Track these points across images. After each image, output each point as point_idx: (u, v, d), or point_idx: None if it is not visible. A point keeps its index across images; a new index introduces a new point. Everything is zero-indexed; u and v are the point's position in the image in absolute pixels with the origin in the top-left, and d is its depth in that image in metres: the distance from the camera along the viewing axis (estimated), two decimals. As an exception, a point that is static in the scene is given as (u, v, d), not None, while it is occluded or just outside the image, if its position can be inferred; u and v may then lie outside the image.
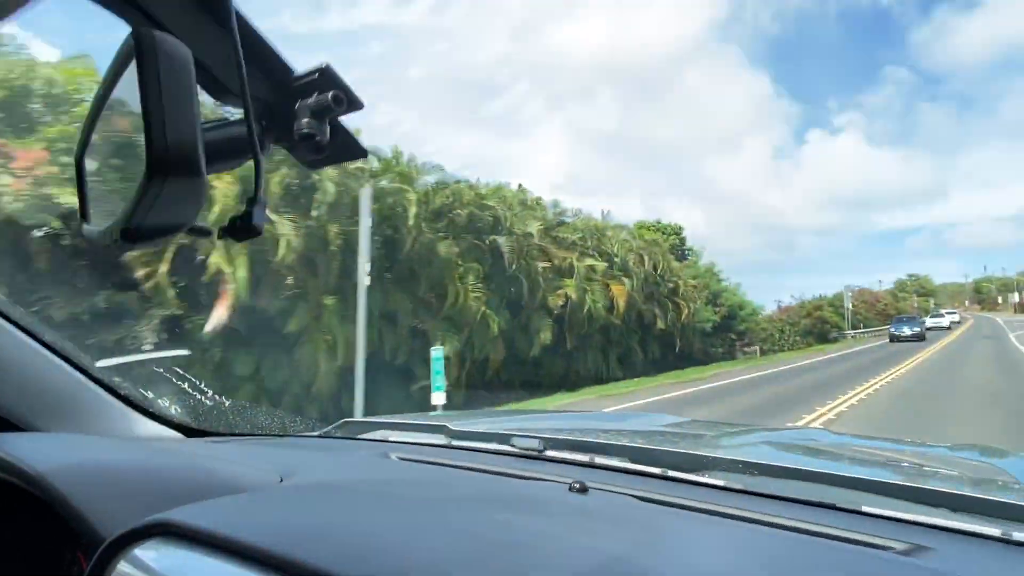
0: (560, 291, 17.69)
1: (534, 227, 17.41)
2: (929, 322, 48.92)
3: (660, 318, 22.75)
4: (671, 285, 23.56)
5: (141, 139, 0.46)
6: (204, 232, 0.54)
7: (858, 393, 12.99)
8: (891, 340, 34.14)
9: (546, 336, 16.79)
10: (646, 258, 22.19)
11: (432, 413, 2.63)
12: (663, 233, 33.55)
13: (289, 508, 0.79)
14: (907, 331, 34.29)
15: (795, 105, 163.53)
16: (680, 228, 34.46)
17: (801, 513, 0.90)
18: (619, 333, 21.12)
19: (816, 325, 41.44)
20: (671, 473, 1.11)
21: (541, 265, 17.24)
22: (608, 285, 19.95)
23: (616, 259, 20.52)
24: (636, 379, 19.45)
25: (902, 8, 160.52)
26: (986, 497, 0.93)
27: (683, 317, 23.60)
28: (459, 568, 0.57)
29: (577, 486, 0.97)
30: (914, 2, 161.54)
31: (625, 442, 1.42)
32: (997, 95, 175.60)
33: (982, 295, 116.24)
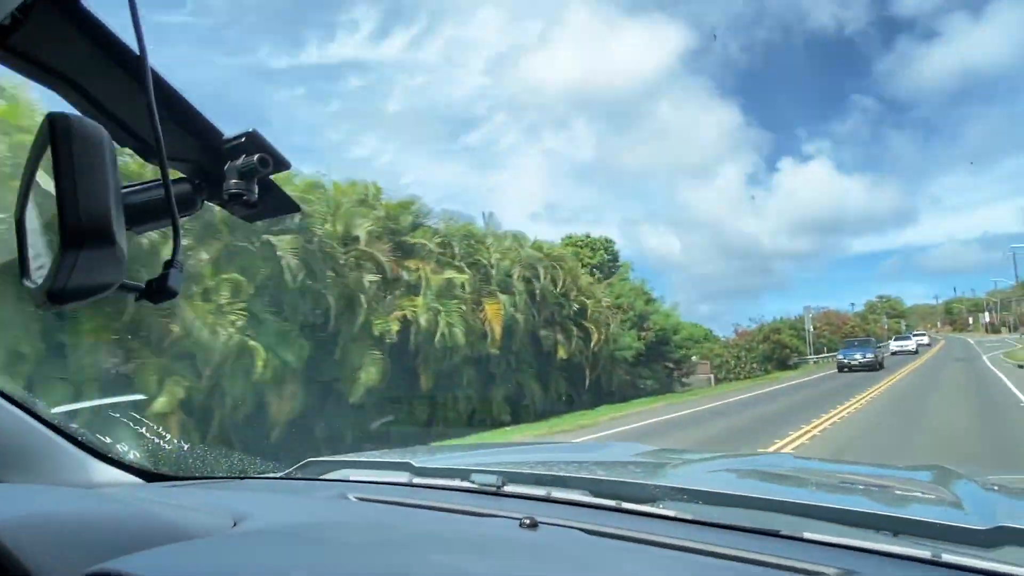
0: (398, 313, 13.38)
1: (362, 229, 13.18)
2: (893, 346, 44.38)
3: (563, 345, 18.54)
4: (577, 306, 19.38)
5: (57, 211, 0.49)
6: (135, 289, 0.54)
7: (782, 447, 9.45)
8: (839, 369, 28.54)
9: (372, 375, 12.42)
10: (542, 273, 18.04)
11: (398, 449, 2.21)
12: (591, 248, 29.62)
13: (235, 556, 0.78)
14: (859, 358, 28.24)
15: (766, 134, 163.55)
16: (611, 242, 30.51)
17: (746, 542, 0.92)
18: (504, 366, 16.83)
19: (775, 350, 37.68)
20: (625, 505, 1.12)
21: (369, 279, 12.98)
22: (481, 305, 15.73)
23: (494, 272, 16.33)
24: (513, 426, 15.17)
25: (866, 38, 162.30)
26: (921, 519, 0.96)
27: (593, 344, 19.41)
28: None
29: (528, 522, 0.99)
30: (877, 32, 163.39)
31: (584, 474, 1.40)
32: (960, 122, 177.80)
33: (953, 316, 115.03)
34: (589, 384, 19.60)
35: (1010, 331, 72.00)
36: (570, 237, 29.64)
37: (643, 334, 22.99)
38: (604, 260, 29.15)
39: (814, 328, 43.66)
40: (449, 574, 0.69)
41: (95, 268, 0.49)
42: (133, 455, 1.62)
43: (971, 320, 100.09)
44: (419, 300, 13.87)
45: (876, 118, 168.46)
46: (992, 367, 24.97)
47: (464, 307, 15.09)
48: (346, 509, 1.28)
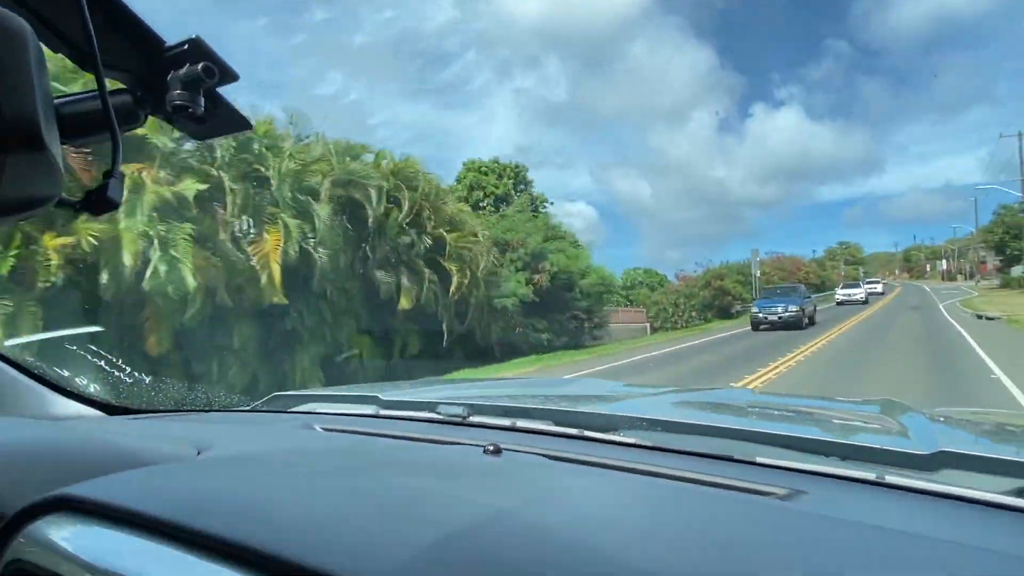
0: (62, 240, 8.61)
1: None
2: (839, 294, 39.98)
3: (408, 291, 14.04)
4: (432, 240, 14.78)
5: None
6: (71, 205, 0.53)
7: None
8: (753, 327, 21.37)
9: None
10: (375, 195, 13.33)
11: (365, 384, 2.40)
12: (496, 175, 24.86)
13: (198, 480, 0.78)
14: (779, 312, 20.68)
15: (740, 78, 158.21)
16: (521, 168, 25.69)
17: (702, 466, 0.95)
18: (315, 319, 12.31)
19: (716, 297, 34.02)
20: (587, 433, 1.15)
21: None
22: (257, 233, 11.03)
23: (274, 187, 11.51)
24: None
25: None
26: (868, 445, 1.00)
27: (453, 289, 14.93)
28: (354, 529, 0.58)
29: (491, 448, 0.99)
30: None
31: (548, 406, 1.43)
32: (930, 70, 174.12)
33: (911, 263, 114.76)
34: (450, 341, 15.24)
35: (966, 278, 70.68)
36: (472, 161, 24.81)
37: (536, 277, 18.59)
38: (510, 189, 24.47)
39: (762, 273, 39.98)
40: (412, 495, 0.69)
41: (27, 177, 0.45)
42: (93, 388, 1.61)
43: (928, 268, 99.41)
44: (123, 222, 9.11)
45: (849, 64, 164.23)
46: (950, 319, 21.44)
47: (222, 235, 10.40)
48: (312, 438, 1.28)
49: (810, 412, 1.53)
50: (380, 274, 13.75)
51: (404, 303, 13.91)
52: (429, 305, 14.50)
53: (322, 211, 11.81)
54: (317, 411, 1.54)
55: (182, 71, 0.58)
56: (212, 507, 0.62)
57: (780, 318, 20.56)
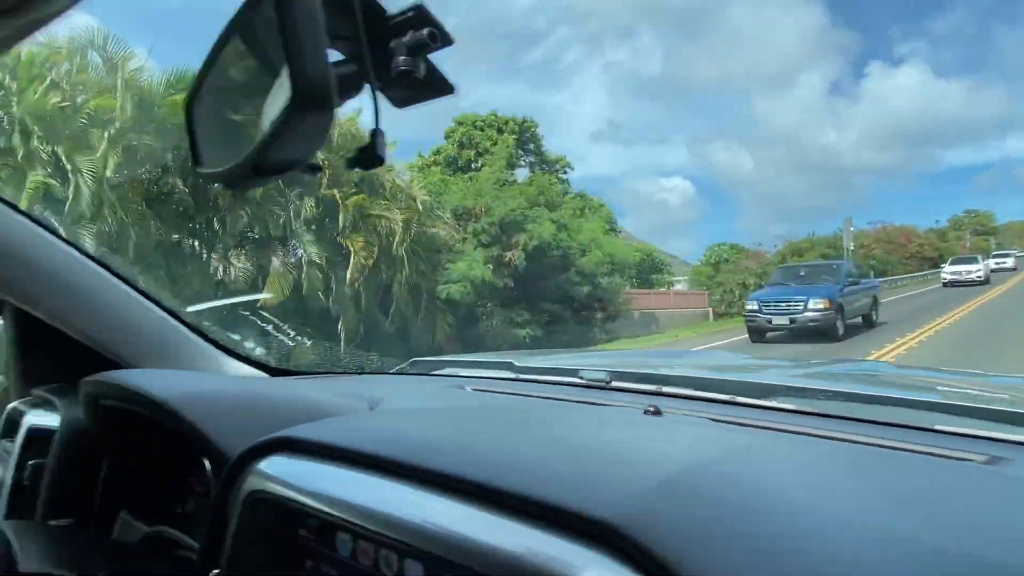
0: None
1: None
2: (945, 272, 30.53)
3: (282, 279, 10.06)
4: (314, 206, 10.63)
5: (262, 80, 0.49)
6: (316, 169, 0.55)
7: None
8: (751, 336, 12.98)
9: None
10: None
11: (498, 352, 2.46)
12: (496, 129, 20.33)
13: (394, 424, 0.82)
14: (798, 309, 11.92)
15: (853, 35, 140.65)
16: (530, 123, 20.89)
17: (874, 431, 0.91)
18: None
19: (794, 276, 28.01)
20: (739, 399, 1.12)
21: None
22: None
23: (14, 138, 7.71)
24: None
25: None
26: None
27: (352, 275, 10.76)
28: (570, 467, 0.59)
29: (652, 409, 0.99)
30: None
31: (692, 373, 1.43)
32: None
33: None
34: (359, 344, 11.16)
35: None
36: (465, 115, 20.43)
37: (508, 255, 14.07)
38: (511, 147, 19.88)
39: (861, 246, 32.98)
40: (607, 442, 0.70)
41: (306, 136, 0.48)
42: (259, 351, 1.71)
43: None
44: None
45: (983, 11, 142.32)
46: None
47: None
48: (468, 397, 1.31)
49: (970, 384, 1.46)
50: (233, 256, 9.87)
51: (270, 295, 9.96)
52: (313, 296, 10.49)
53: (90, 164, 7.95)
54: (461, 374, 1.58)
55: (407, 38, 0.58)
56: (415, 443, 0.65)
57: (793, 321, 11.93)
